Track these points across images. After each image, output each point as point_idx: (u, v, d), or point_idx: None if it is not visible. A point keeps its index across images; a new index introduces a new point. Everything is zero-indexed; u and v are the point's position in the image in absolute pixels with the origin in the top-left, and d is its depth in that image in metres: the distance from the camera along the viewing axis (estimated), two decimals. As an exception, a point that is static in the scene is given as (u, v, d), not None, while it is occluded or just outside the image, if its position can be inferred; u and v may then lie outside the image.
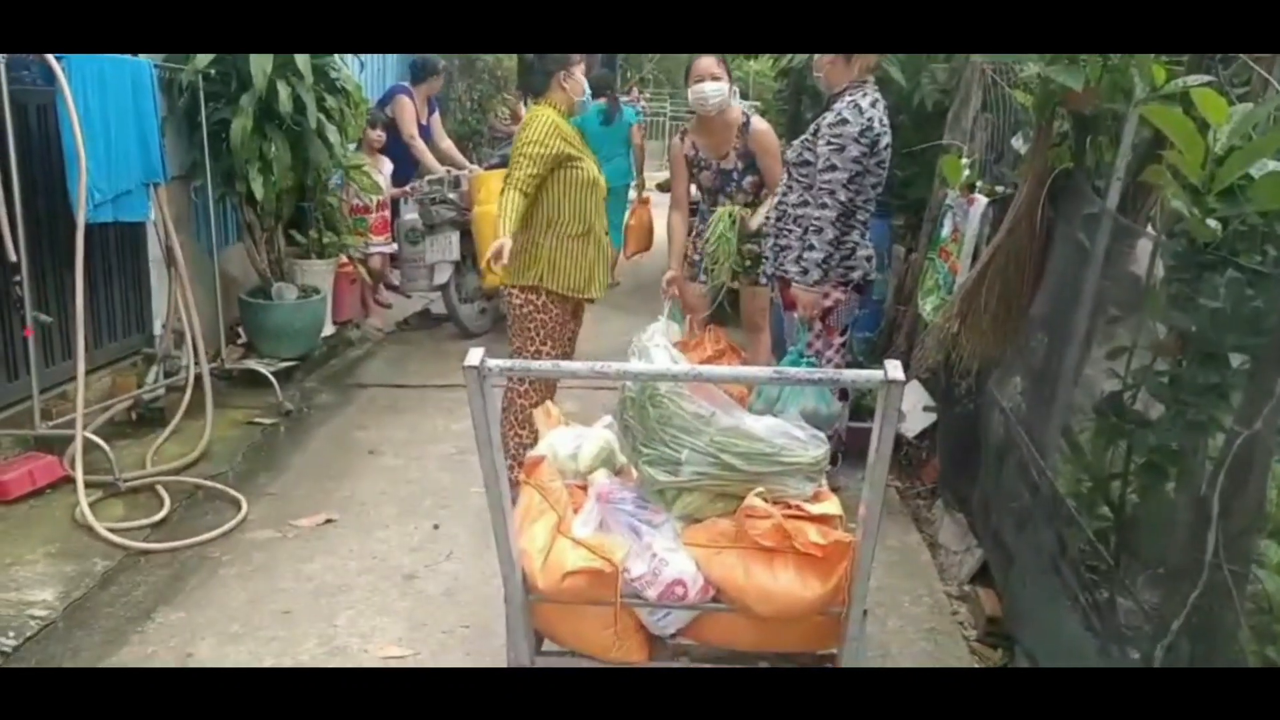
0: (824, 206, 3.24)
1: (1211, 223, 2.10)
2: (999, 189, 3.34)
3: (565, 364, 1.92)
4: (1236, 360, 2.07)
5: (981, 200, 3.33)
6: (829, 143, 3.22)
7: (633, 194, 7.53)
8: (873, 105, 3.25)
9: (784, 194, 3.49)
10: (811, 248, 3.29)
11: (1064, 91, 2.55)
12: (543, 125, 3.28)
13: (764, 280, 4.06)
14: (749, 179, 3.93)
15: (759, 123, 3.99)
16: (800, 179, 3.39)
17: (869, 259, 3.45)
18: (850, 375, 1.80)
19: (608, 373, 1.74)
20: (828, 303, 3.40)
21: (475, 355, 1.71)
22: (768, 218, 3.66)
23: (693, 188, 4.20)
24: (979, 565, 3.18)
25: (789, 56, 5.16)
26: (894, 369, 1.64)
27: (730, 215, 3.96)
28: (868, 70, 3.34)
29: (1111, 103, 2.58)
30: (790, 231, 3.41)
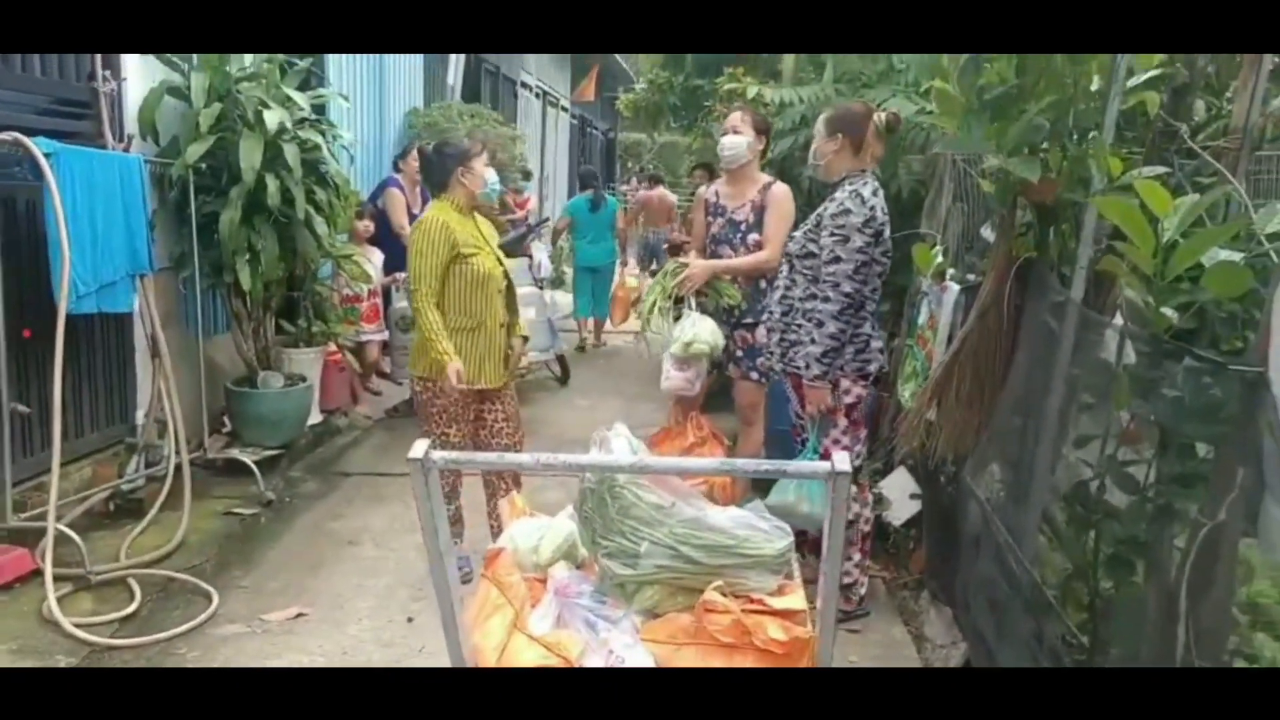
0: (826, 300, 3.20)
1: (1168, 311, 2.11)
2: (970, 277, 3.37)
3: (510, 456, 1.91)
4: (1203, 450, 2.06)
5: (954, 288, 3.36)
6: (832, 234, 3.20)
7: (618, 271, 8.74)
8: (874, 194, 3.24)
9: (788, 287, 3.45)
10: (813, 341, 3.24)
11: (1023, 183, 2.59)
12: (428, 236, 3.44)
13: (755, 375, 4.06)
14: (753, 236, 3.96)
15: (781, 185, 4.06)
16: (804, 271, 3.35)
17: (881, 350, 3.41)
18: (795, 467, 1.78)
19: (554, 465, 1.73)
20: (849, 398, 3.34)
21: (420, 447, 1.70)
22: (770, 311, 3.60)
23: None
24: (964, 660, 3.10)
25: (772, 146, 5.26)
26: (841, 460, 1.62)
27: (672, 272, 3.98)
28: (871, 160, 3.35)
29: (1070, 193, 2.62)
30: (800, 326, 3.36)
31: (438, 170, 3.60)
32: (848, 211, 3.19)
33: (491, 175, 3.61)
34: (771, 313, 3.57)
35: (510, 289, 3.71)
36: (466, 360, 3.49)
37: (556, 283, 9.10)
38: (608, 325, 8.93)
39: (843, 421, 3.37)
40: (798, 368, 3.37)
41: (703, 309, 3.96)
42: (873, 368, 3.37)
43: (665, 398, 4.29)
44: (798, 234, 3.44)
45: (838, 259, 3.19)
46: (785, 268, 3.49)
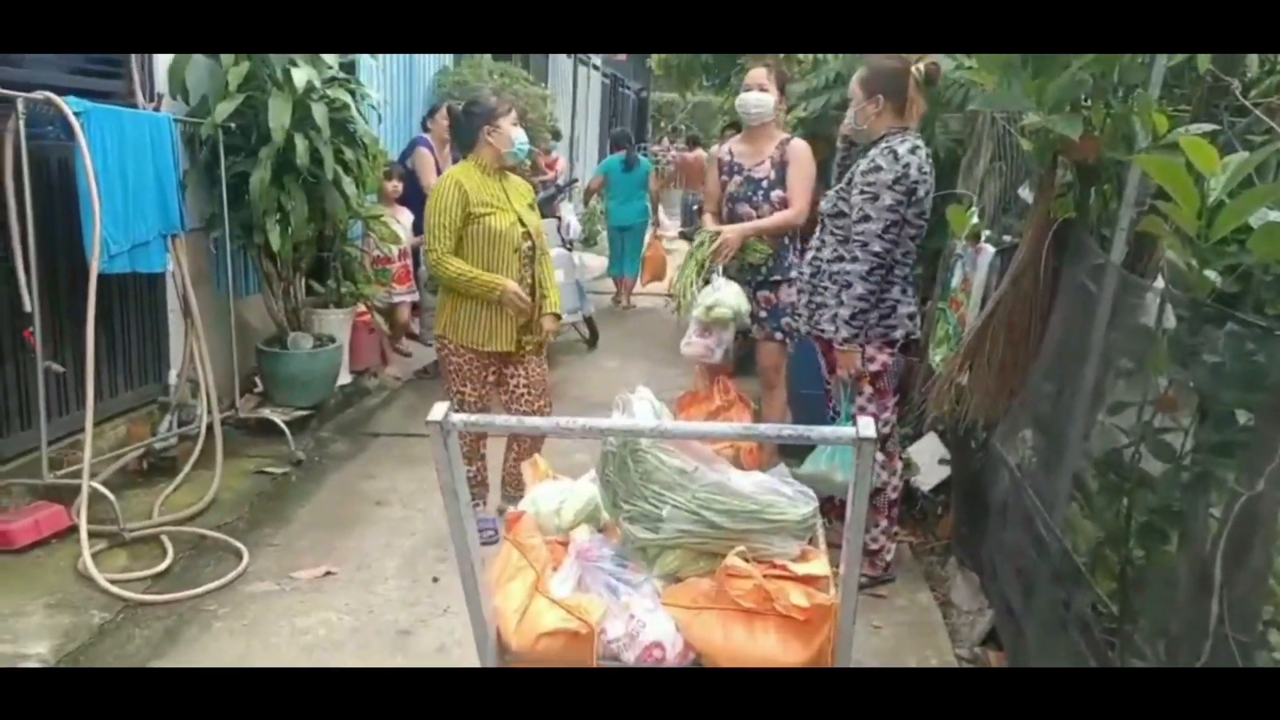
0: (855, 260, 3.11)
1: (1211, 274, 2.03)
2: (1006, 239, 3.28)
3: (529, 420, 1.89)
4: (1244, 417, 1.99)
5: (989, 250, 3.28)
6: (862, 191, 3.11)
7: (649, 231, 8.96)
8: (911, 151, 3.11)
9: (818, 248, 3.37)
10: (841, 303, 3.16)
11: (1063, 141, 2.50)
12: (439, 196, 3.50)
13: (779, 335, 4.00)
14: (777, 192, 3.88)
15: (799, 140, 4.00)
16: (835, 231, 3.26)
17: (911, 316, 3.30)
18: (819, 433, 1.74)
19: (573, 429, 1.71)
20: (874, 366, 3.26)
21: (439, 410, 1.68)
22: (801, 272, 3.51)
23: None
24: (990, 627, 3.07)
25: (803, 106, 5.15)
26: (865, 426, 1.59)
27: (706, 242, 3.88)
28: (916, 117, 3.23)
29: (1113, 151, 2.53)
30: (826, 289, 3.29)
31: (465, 130, 3.62)
32: (878, 168, 3.09)
33: (519, 135, 3.56)
34: (801, 273, 3.50)
35: (538, 254, 3.66)
36: (477, 322, 3.53)
37: (589, 243, 9.20)
38: (637, 286, 8.92)
39: (868, 389, 3.31)
40: (823, 331, 3.31)
41: (726, 272, 3.91)
42: (898, 334, 3.27)
43: (690, 361, 4.25)
44: (830, 192, 3.35)
45: (867, 217, 3.10)
46: (818, 228, 3.41)
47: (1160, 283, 2.39)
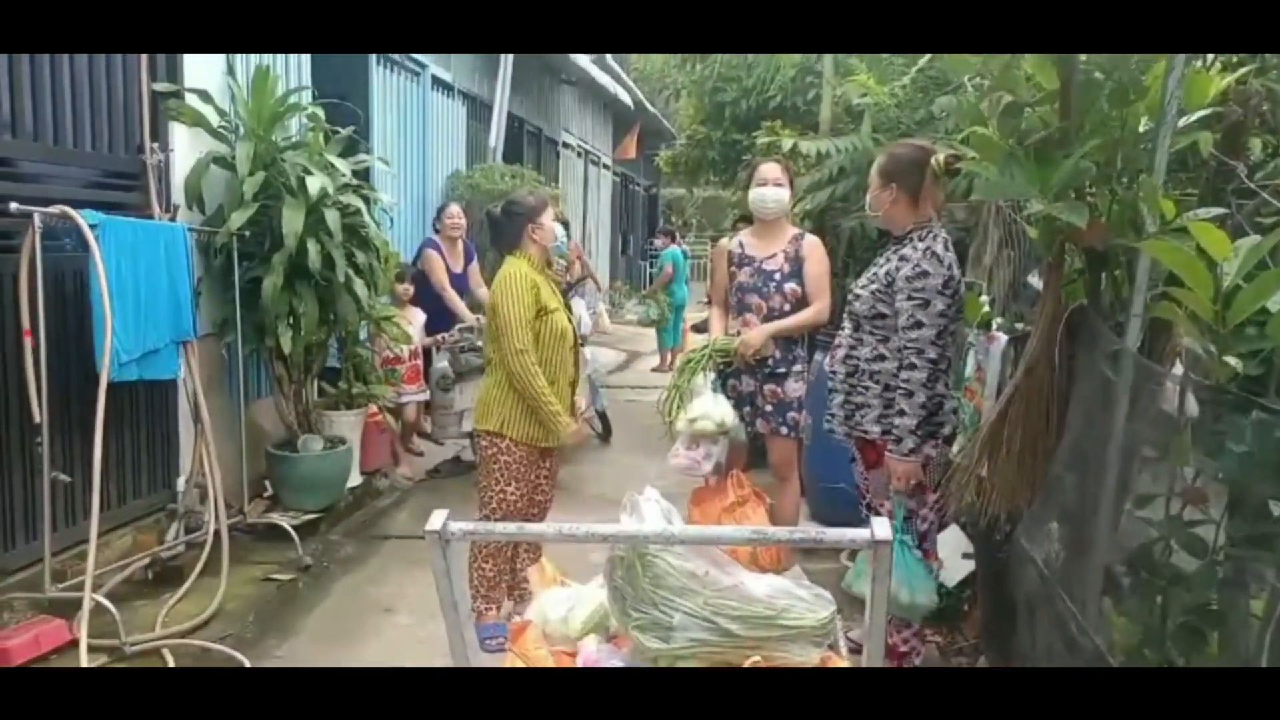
0: (913, 368, 3.02)
1: (1231, 360, 1.98)
2: (1018, 326, 3.24)
3: (530, 526, 1.83)
4: (1278, 509, 1.91)
5: (1001, 338, 3.24)
6: (910, 298, 3.02)
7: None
8: (946, 249, 3.07)
9: (852, 347, 3.27)
10: (903, 413, 3.04)
11: (1069, 228, 2.48)
12: (518, 285, 3.41)
13: (785, 430, 3.91)
14: (790, 285, 3.86)
15: (812, 237, 4.03)
16: (873, 332, 3.18)
17: (955, 410, 3.23)
18: (834, 535, 1.67)
19: (576, 535, 1.65)
20: (920, 460, 3.14)
21: (438, 519, 1.63)
22: (833, 371, 3.42)
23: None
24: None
25: (810, 197, 5.21)
26: (881, 527, 1.52)
27: (707, 354, 3.84)
28: (932, 208, 3.17)
29: (1121, 237, 2.50)
30: (867, 389, 3.20)
31: (509, 230, 3.58)
32: (925, 274, 3.01)
33: (560, 230, 3.62)
34: (835, 373, 3.38)
35: (577, 348, 3.72)
36: (536, 420, 3.48)
37: (658, 324, 10.79)
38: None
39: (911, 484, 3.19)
40: (864, 431, 3.21)
41: (731, 365, 3.88)
42: (946, 429, 3.18)
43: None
44: (864, 292, 3.24)
45: (919, 324, 3.01)
46: (849, 326, 3.30)
47: (1179, 369, 2.34)
